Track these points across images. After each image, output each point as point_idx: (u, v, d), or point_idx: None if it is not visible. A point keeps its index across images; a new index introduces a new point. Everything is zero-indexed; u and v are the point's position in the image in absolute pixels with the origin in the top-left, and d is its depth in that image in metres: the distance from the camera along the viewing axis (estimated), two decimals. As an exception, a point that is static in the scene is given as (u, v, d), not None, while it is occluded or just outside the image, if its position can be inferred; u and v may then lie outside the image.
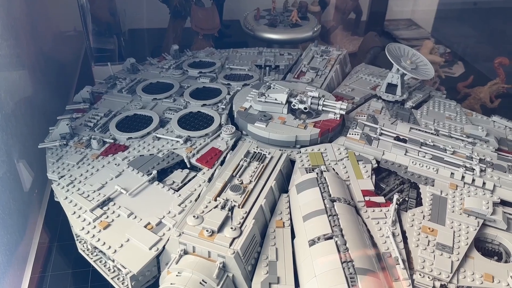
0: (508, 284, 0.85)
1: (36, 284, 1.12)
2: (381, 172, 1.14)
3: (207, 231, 0.85)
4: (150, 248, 0.88)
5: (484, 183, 1.08)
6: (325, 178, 1.01)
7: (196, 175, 1.07)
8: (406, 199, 1.05)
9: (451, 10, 2.20)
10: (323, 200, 0.94)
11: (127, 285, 0.88)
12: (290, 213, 0.98)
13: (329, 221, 0.89)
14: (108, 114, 1.31)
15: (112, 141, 1.19)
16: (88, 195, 1.00)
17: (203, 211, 0.90)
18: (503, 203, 1.06)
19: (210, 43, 1.97)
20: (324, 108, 1.23)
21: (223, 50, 1.83)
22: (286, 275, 0.84)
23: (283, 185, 1.07)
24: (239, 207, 0.92)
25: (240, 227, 0.87)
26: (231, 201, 0.93)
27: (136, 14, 1.96)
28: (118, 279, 0.94)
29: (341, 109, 1.21)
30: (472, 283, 0.85)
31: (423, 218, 0.96)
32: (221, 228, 0.86)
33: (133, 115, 1.29)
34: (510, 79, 1.48)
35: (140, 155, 1.13)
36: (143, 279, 0.89)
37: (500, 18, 1.98)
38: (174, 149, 1.15)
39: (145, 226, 0.92)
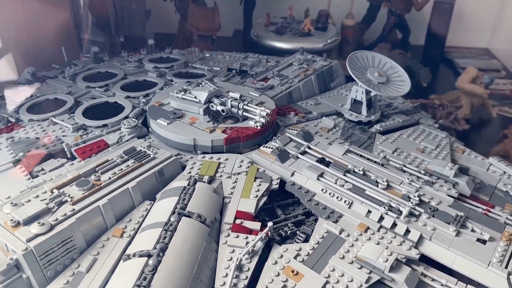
0: None
1: None
2: (289, 197, 0.93)
3: (11, 220, 0.73)
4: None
5: (408, 231, 0.81)
6: (194, 189, 0.84)
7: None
8: (297, 232, 0.83)
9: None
10: (173, 212, 0.78)
11: None
12: (143, 222, 0.82)
13: (159, 237, 0.72)
14: (35, 97, 1.25)
15: (14, 120, 1.13)
16: None
17: (29, 200, 0.79)
18: (429, 262, 0.78)
19: (207, 45, 1.86)
20: (244, 113, 1.06)
21: (208, 52, 1.73)
22: (87, 291, 0.69)
23: (158, 190, 0.91)
24: (70, 204, 0.79)
25: (55, 224, 0.74)
26: (67, 196, 0.80)
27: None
28: None
29: (261, 116, 1.03)
30: None
31: (295, 257, 0.74)
32: (31, 221, 0.74)
33: (53, 99, 1.24)
34: None
35: (27, 137, 1.05)
36: None
37: None
38: (63, 136, 1.05)
39: (-28, 209, 0.83)
